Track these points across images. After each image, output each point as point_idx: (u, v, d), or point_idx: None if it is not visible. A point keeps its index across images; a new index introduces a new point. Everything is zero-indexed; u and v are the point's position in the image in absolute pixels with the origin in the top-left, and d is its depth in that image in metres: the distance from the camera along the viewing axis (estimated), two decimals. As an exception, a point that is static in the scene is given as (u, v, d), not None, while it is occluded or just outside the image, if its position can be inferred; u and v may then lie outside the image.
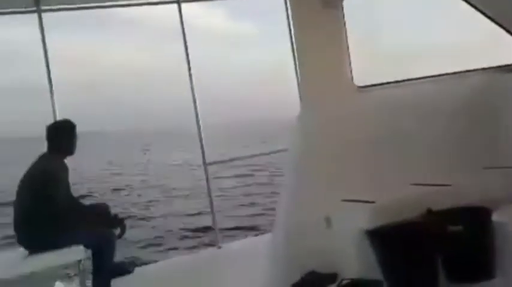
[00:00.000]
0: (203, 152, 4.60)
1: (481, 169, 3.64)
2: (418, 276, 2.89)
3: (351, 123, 3.98)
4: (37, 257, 3.32)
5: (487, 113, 3.94)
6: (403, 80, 4.37)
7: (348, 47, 4.22)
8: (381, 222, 3.04)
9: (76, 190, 3.84)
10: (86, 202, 3.99)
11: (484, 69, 4.38)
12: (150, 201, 16.50)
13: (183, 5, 4.58)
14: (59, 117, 4.00)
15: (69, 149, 3.68)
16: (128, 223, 3.80)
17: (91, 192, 17.76)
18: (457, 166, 3.65)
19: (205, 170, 4.61)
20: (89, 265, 3.40)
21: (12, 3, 4.21)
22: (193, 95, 4.57)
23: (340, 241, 3.33)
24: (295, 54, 4.66)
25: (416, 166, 3.70)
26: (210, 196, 4.61)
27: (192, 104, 4.58)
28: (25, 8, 4.21)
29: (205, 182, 4.65)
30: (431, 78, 4.31)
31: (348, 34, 4.20)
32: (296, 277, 3.37)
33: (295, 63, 4.82)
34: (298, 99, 4.76)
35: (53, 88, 4.11)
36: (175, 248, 9.66)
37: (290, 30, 4.86)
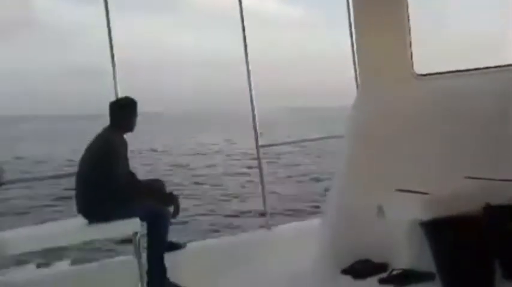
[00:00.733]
0: (256, 136, 4.63)
1: None
2: (473, 272, 2.81)
3: (408, 112, 3.91)
4: (96, 226, 3.48)
5: None
6: (466, 70, 4.22)
7: (409, 33, 4.11)
8: (434, 214, 2.98)
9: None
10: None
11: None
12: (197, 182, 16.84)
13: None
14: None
15: (129, 126, 3.80)
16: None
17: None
18: None
19: (258, 153, 4.65)
20: (144, 238, 3.52)
21: None
22: (249, 80, 4.60)
23: (392, 231, 3.29)
24: (353, 39, 4.58)
25: (471, 159, 3.59)
26: (261, 178, 4.66)
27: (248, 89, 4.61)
28: None
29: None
30: (496, 69, 4.13)
31: (411, 19, 4.09)
32: (346, 263, 3.38)
33: (352, 49, 4.75)
34: (354, 86, 4.70)
35: (116, 69, 4.24)
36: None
37: (349, 14, 4.78)
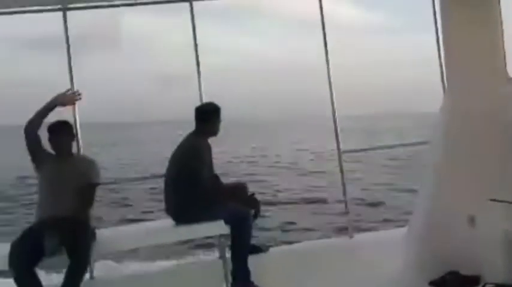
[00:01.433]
0: (338, 141, 4.59)
1: None
2: None
3: (500, 117, 3.69)
4: (183, 228, 3.61)
5: None
6: None
7: (502, 33, 3.89)
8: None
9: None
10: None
11: None
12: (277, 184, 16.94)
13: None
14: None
15: (213, 131, 3.91)
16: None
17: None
18: None
19: (339, 159, 4.60)
20: (228, 240, 3.60)
21: None
22: (330, 86, 4.57)
23: (485, 243, 3.14)
24: (440, 41, 4.41)
25: None
26: (343, 184, 4.60)
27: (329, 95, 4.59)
28: None
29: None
30: None
31: (504, 18, 3.87)
32: (434, 275, 3.26)
33: (439, 53, 4.58)
34: (439, 90, 4.54)
35: (201, 75, 4.39)
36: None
37: (435, 16, 4.62)
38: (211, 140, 3.90)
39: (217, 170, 3.97)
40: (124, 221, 10.41)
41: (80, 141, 3.99)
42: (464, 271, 3.25)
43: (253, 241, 3.75)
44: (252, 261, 3.59)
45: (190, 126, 3.94)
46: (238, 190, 4.03)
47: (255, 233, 3.71)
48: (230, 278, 3.54)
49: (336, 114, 4.59)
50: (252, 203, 3.88)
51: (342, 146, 4.56)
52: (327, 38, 4.55)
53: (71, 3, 4.22)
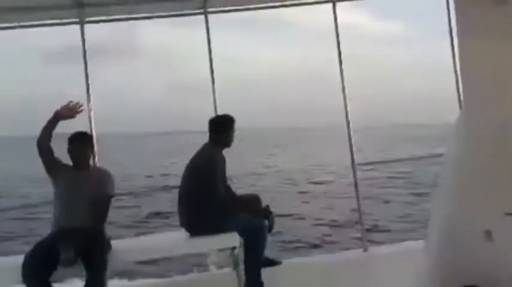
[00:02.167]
0: (352, 153, 4.57)
1: None
2: None
3: None
4: (196, 239, 3.62)
5: None
6: None
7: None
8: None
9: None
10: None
11: None
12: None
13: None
14: (219, 112, 4.29)
15: (227, 142, 3.92)
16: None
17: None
18: None
19: (354, 171, 4.58)
20: (241, 252, 3.59)
21: (181, 6, 4.58)
22: (344, 95, 4.56)
23: (502, 257, 3.09)
24: (456, 54, 4.38)
25: None
26: (357, 197, 4.57)
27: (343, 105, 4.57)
28: (193, 10, 4.57)
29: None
30: None
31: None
32: (450, 289, 3.21)
33: (454, 62, 4.55)
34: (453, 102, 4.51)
35: (215, 85, 4.41)
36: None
37: (450, 25, 4.60)
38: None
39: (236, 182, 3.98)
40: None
41: (96, 153, 4.02)
42: (482, 286, 3.20)
43: (266, 254, 3.74)
44: (266, 274, 3.58)
45: (205, 136, 3.96)
46: (252, 202, 4.02)
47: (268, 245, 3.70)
48: (244, 291, 3.52)
49: (351, 125, 4.57)
50: (266, 214, 3.87)
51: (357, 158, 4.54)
52: (345, 48, 4.55)
53: (89, 16, 4.29)
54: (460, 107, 4.37)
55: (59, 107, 3.52)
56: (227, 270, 3.85)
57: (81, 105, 3.62)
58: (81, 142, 3.51)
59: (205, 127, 3.95)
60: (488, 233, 3.23)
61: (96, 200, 3.35)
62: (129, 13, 4.59)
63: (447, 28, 4.63)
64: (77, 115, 3.58)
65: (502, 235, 3.15)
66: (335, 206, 14.32)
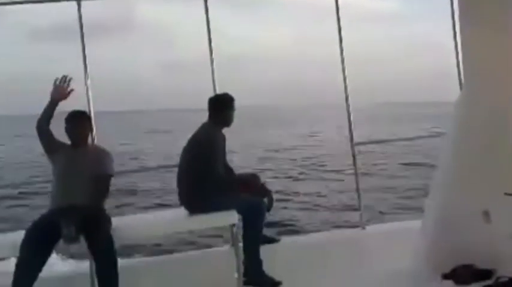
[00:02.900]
0: (351, 133, 4.57)
1: None
2: None
3: None
4: (195, 217, 3.63)
5: None
6: None
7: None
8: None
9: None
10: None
11: None
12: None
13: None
14: (218, 91, 4.27)
15: (227, 121, 3.90)
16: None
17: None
18: None
19: (353, 150, 4.58)
20: (240, 230, 3.61)
21: None
22: (344, 75, 4.53)
23: (499, 237, 3.11)
24: (457, 34, 4.35)
25: None
26: (356, 175, 4.59)
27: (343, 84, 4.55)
28: None
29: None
30: None
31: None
32: (447, 268, 3.25)
33: (455, 41, 4.52)
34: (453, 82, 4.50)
35: (214, 64, 4.38)
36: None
37: (452, 5, 4.56)
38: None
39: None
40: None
41: (94, 131, 4.00)
42: (478, 265, 3.23)
43: (265, 232, 3.77)
44: (264, 251, 3.60)
45: (205, 114, 3.94)
46: (251, 180, 4.04)
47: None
48: (242, 268, 3.55)
49: (350, 105, 4.56)
50: (265, 194, 3.88)
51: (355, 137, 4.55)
52: (341, 26, 4.51)
53: None
54: (461, 86, 4.35)
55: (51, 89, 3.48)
56: (226, 248, 3.88)
57: (69, 80, 3.48)
58: (78, 120, 3.49)
59: (201, 105, 3.94)
60: (486, 214, 3.26)
61: (96, 178, 3.34)
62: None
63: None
64: (70, 95, 3.53)
65: (500, 215, 3.17)
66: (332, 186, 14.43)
